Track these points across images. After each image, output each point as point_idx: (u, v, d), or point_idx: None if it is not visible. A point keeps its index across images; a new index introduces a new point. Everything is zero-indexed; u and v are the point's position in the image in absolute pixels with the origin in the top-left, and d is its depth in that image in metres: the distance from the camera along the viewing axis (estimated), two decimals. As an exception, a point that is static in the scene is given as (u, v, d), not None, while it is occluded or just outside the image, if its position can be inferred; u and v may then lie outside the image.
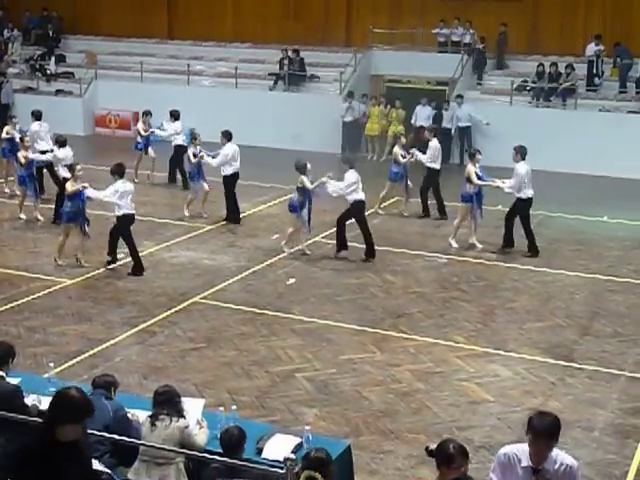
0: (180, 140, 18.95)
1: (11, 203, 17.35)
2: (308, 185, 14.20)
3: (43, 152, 16.68)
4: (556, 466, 5.54)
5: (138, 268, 13.39)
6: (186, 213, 16.75)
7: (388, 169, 17.51)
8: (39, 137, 17.27)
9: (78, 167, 13.64)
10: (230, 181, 16.30)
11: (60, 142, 15.92)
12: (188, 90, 25.31)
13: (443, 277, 13.83)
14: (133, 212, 13.38)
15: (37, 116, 18.00)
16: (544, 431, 5.45)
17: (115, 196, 13.10)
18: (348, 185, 14.18)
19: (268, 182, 19.32)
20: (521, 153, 14.67)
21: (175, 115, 19.08)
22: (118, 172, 13.29)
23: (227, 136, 16.26)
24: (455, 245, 15.17)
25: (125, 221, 13.31)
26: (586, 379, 10.17)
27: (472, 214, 15.13)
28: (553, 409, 9.19)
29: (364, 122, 23.77)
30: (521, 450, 5.60)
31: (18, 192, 16.72)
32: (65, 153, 15.75)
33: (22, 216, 16.29)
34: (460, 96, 22.80)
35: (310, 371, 10.20)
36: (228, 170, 16.21)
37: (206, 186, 16.66)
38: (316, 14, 26.82)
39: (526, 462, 5.55)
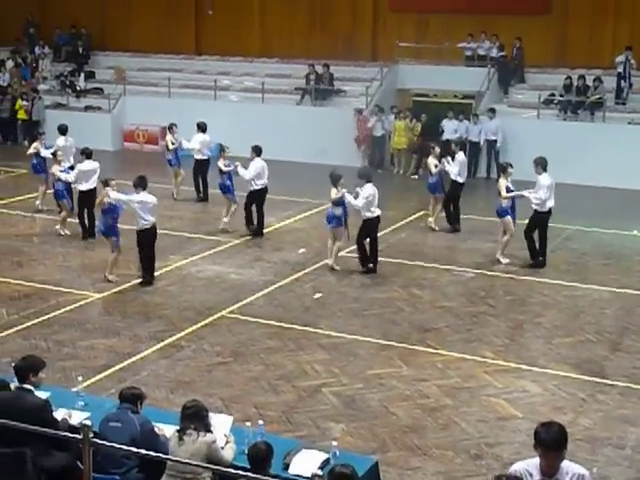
0: (203, 153, 19.03)
1: (40, 217, 17.50)
2: (333, 195, 14.18)
3: (71, 168, 16.79)
4: (568, 477, 5.50)
5: (149, 279, 13.46)
6: (225, 220, 16.65)
7: (425, 182, 17.46)
8: (65, 152, 17.35)
9: (113, 182, 13.66)
10: (257, 195, 16.31)
11: (86, 154, 16.01)
12: (215, 105, 25.42)
13: (471, 291, 13.74)
14: (154, 224, 13.42)
15: (63, 131, 18.12)
16: (553, 443, 5.42)
17: (139, 207, 13.15)
18: (365, 199, 14.12)
19: (295, 196, 19.33)
20: (542, 165, 14.53)
21: (202, 127, 19.14)
22: (141, 185, 13.32)
23: (257, 151, 16.29)
24: (505, 261, 14.99)
25: (147, 234, 13.35)
26: (617, 395, 10.04)
27: (511, 229, 14.99)
28: (584, 426, 9.17)
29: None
30: (531, 464, 5.57)
31: (58, 207, 16.74)
32: (89, 165, 15.85)
33: (62, 232, 16.26)
34: (492, 110, 22.71)
35: (337, 386, 10.16)
36: (257, 185, 16.23)
37: (235, 200, 16.67)
38: (343, 29, 26.88)
39: (538, 476, 5.51)
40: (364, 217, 14.24)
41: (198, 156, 19.04)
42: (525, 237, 14.81)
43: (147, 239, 13.40)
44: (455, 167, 16.69)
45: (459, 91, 24.58)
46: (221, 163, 16.58)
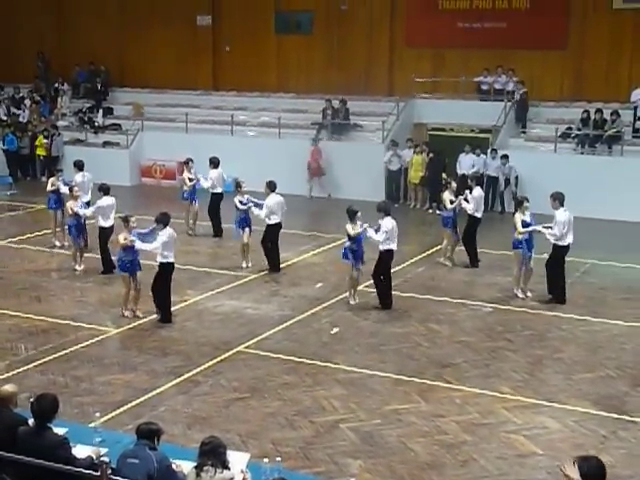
0: (217, 188, 19.10)
1: (57, 253, 17.59)
2: (350, 231, 14.19)
3: (88, 203, 16.89)
4: None
5: (166, 315, 13.48)
6: (244, 265, 16.69)
7: (440, 217, 17.47)
8: (82, 188, 17.44)
9: (132, 219, 13.71)
10: (271, 231, 16.35)
11: (104, 190, 16.14)
12: (232, 140, 25.61)
13: (488, 326, 13.67)
14: (173, 261, 13.48)
15: (80, 167, 18.26)
16: (602, 472, 5.36)
17: (163, 245, 13.22)
18: (385, 233, 14.12)
19: (311, 231, 19.37)
20: (559, 200, 14.49)
21: (215, 162, 19.25)
22: (163, 221, 13.42)
23: (271, 187, 16.35)
24: (521, 295, 14.96)
25: (168, 269, 13.42)
26: (639, 432, 9.92)
27: (521, 262, 14.95)
28: (605, 464, 9.01)
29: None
30: None
31: (66, 243, 16.96)
32: (108, 201, 15.96)
33: (78, 267, 16.40)
34: (495, 150, 22.77)
35: (355, 422, 10.10)
36: (271, 220, 16.28)
37: (246, 237, 16.66)
38: (359, 64, 27.09)
39: None
40: (381, 250, 14.23)
41: (213, 191, 19.14)
42: (547, 271, 14.75)
43: (165, 274, 13.44)
44: (471, 203, 16.66)
45: (476, 125, 24.64)
46: (237, 199, 16.62)
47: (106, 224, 15.99)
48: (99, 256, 16.24)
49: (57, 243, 18.08)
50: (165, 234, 13.26)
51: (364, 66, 27.07)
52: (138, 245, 13.40)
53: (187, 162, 19.82)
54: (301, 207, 20.05)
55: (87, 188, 17.81)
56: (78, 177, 17.98)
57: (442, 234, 17.25)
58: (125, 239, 13.43)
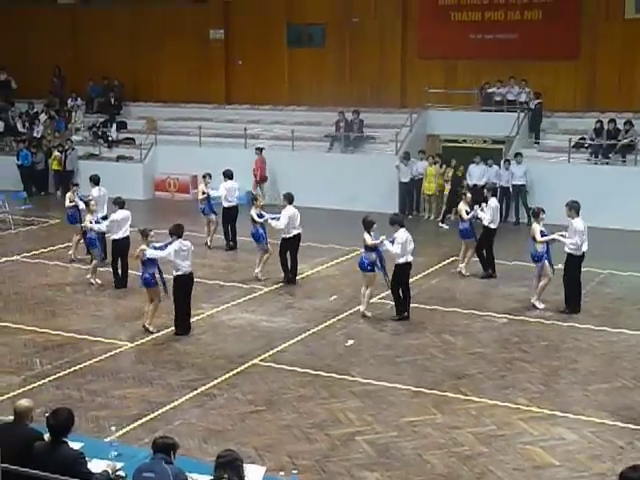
0: (229, 201, 19.12)
1: (73, 267, 17.65)
2: (368, 241, 14.19)
3: (104, 217, 16.96)
4: None
5: (184, 328, 13.48)
6: (258, 273, 16.69)
7: (457, 228, 17.44)
8: (98, 203, 17.51)
9: (152, 232, 13.76)
10: (291, 243, 16.37)
11: (119, 204, 16.19)
12: (245, 153, 25.65)
13: (504, 337, 13.62)
14: (191, 271, 13.51)
15: (96, 181, 18.31)
16: None
17: (174, 255, 13.24)
18: (400, 245, 14.11)
19: (326, 243, 19.37)
20: (575, 209, 14.48)
21: (228, 175, 19.27)
22: (176, 233, 13.46)
23: (288, 199, 16.38)
24: (541, 306, 14.88)
25: (181, 281, 13.43)
26: (656, 442, 9.86)
27: (540, 274, 14.90)
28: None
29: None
30: None
31: (79, 256, 17.05)
32: (123, 215, 16.01)
33: (93, 281, 16.40)
34: (519, 154, 22.73)
35: (370, 434, 10.07)
36: (290, 233, 16.30)
37: (264, 249, 16.71)
38: (371, 76, 27.14)
39: None
40: (397, 263, 14.22)
41: (225, 204, 19.16)
42: (564, 282, 14.69)
43: (182, 286, 13.46)
44: (487, 214, 16.63)
45: (489, 136, 24.62)
46: (254, 212, 16.63)
47: (117, 236, 16.03)
48: (110, 269, 16.33)
49: (78, 257, 18.07)
50: (176, 244, 13.27)
51: (376, 78, 27.11)
52: (149, 253, 13.42)
53: (205, 176, 19.80)
54: (315, 219, 20.01)
55: (103, 202, 17.85)
56: (95, 191, 18.04)
57: (466, 245, 17.15)
58: (139, 253, 13.49)
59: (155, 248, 13.63)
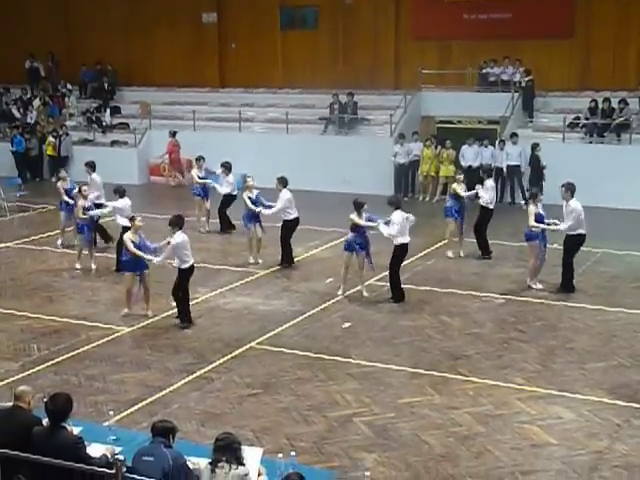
0: (230, 189, 18.97)
1: (69, 253, 17.62)
2: (357, 221, 14.24)
3: (98, 205, 16.82)
4: None
5: (187, 320, 13.37)
6: (251, 260, 16.74)
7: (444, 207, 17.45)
8: (99, 188, 17.43)
9: (138, 219, 13.70)
10: (289, 226, 16.36)
11: (120, 192, 16.08)
12: (240, 137, 25.62)
13: (500, 318, 13.65)
14: (193, 262, 13.32)
15: (94, 167, 18.16)
16: None
17: (178, 251, 13.08)
18: (396, 226, 14.12)
19: (321, 226, 19.35)
20: (571, 190, 14.47)
21: (229, 167, 18.87)
22: (178, 224, 13.12)
23: (283, 182, 16.34)
24: (536, 286, 14.91)
25: (188, 273, 13.29)
26: (653, 420, 9.90)
27: (537, 255, 14.92)
28: (620, 452, 9.05)
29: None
30: None
31: (76, 242, 17.03)
32: (124, 203, 15.94)
33: (78, 266, 16.51)
34: (515, 135, 22.70)
35: (368, 415, 10.10)
36: (289, 215, 16.28)
37: (260, 232, 16.69)
38: (365, 58, 27.05)
39: None
40: (396, 244, 14.24)
41: (227, 191, 18.96)
42: (562, 264, 14.71)
43: (189, 277, 13.28)
44: (487, 194, 16.64)
45: (484, 117, 24.58)
46: (246, 195, 16.58)
47: (124, 223, 15.82)
48: (112, 255, 16.30)
49: (66, 243, 18.06)
50: (179, 237, 13.05)
51: (370, 60, 27.02)
52: (156, 261, 13.30)
53: (198, 159, 19.80)
54: (310, 202, 20.00)
55: (101, 189, 17.73)
56: (96, 177, 17.81)
57: (447, 225, 17.20)
58: (134, 236, 13.44)
59: (156, 249, 13.51)
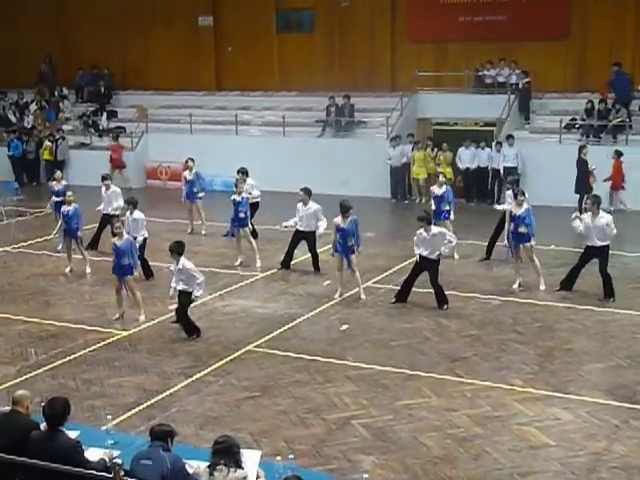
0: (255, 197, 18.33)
1: (65, 257, 17.58)
2: (339, 224, 14.50)
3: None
4: None
5: (195, 330, 13.11)
6: (258, 264, 16.72)
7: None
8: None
9: (117, 224, 13.77)
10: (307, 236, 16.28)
11: (133, 203, 15.65)
12: (237, 140, 25.61)
13: (498, 319, 13.65)
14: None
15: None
16: None
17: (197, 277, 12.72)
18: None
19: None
20: (597, 203, 14.39)
21: (246, 172, 18.21)
22: (177, 250, 12.68)
23: (309, 193, 16.14)
24: (516, 287, 15.04)
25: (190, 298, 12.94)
26: (651, 421, 9.90)
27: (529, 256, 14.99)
28: (618, 453, 9.04)
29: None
30: None
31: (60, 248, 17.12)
32: (140, 215, 15.63)
33: (67, 270, 16.56)
34: (511, 136, 22.71)
35: (366, 418, 10.09)
36: (322, 226, 16.06)
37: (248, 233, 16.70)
38: (361, 60, 27.06)
39: None
40: (430, 258, 14.11)
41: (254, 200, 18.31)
42: (602, 276, 14.65)
43: (187, 303, 12.99)
44: (507, 204, 16.25)
45: (480, 118, 24.59)
46: (237, 196, 16.67)
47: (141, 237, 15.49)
48: (106, 259, 16.28)
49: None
50: (189, 263, 12.73)
51: (366, 62, 27.04)
52: (173, 290, 12.92)
53: (187, 161, 19.80)
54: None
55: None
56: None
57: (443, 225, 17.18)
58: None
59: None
